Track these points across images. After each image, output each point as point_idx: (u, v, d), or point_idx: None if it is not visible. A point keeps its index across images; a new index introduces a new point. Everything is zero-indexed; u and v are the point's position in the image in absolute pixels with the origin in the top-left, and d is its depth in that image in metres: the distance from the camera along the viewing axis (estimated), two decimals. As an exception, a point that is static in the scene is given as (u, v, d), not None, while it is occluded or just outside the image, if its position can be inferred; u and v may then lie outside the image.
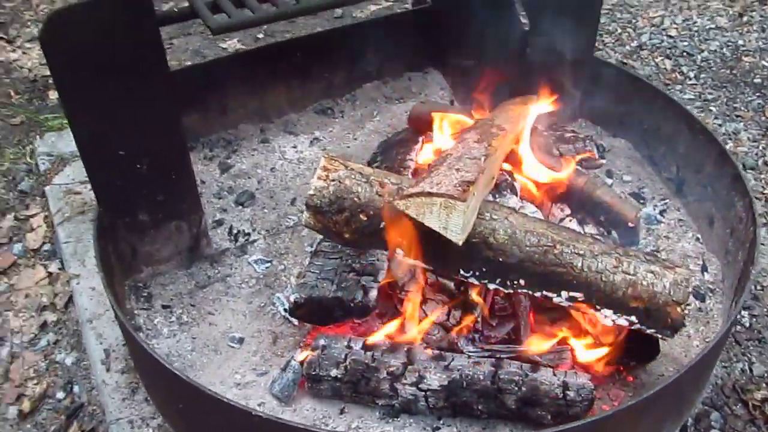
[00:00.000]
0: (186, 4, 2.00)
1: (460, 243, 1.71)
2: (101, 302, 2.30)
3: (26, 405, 2.19)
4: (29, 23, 3.91)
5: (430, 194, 1.68)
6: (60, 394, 2.23)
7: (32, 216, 2.77)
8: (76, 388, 2.24)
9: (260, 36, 3.74)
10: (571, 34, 2.59)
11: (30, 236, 2.69)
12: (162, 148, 2.05)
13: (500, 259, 1.83)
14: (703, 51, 3.67)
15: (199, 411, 1.85)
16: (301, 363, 1.96)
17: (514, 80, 2.51)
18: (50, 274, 2.56)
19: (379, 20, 3.14)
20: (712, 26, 3.86)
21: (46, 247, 2.66)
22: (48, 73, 3.42)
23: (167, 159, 2.08)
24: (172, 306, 2.24)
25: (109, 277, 2.04)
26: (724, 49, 3.67)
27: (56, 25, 1.73)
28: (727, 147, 3.01)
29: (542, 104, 2.40)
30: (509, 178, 2.20)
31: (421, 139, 2.53)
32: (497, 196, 2.12)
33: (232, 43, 3.72)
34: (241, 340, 2.15)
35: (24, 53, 3.70)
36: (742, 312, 2.35)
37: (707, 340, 2.12)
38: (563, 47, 2.58)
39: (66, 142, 2.98)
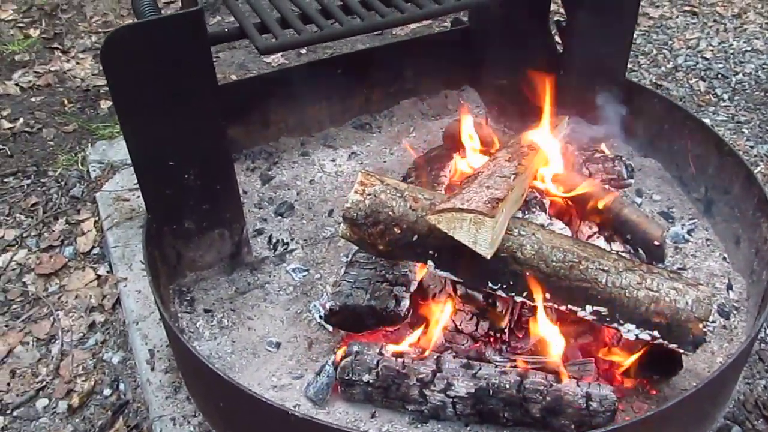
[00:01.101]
0: (232, 18, 2.07)
1: (488, 257, 1.78)
2: (147, 305, 2.39)
3: (75, 400, 2.26)
4: (83, 35, 4.04)
5: (460, 210, 1.75)
6: (107, 391, 2.30)
7: (83, 221, 2.85)
8: (121, 386, 2.31)
9: (303, 51, 3.81)
10: (604, 56, 2.65)
11: (81, 240, 2.77)
12: (208, 160, 2.14)
13: (527, 273, 1.90)
14: (738, 73, 3.68)
15: (238, 410, 1.91)
16: (335, 366, 2.03)
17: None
18: (99, 276, 2.64)
19: (418, 39, 3.21)
20: (749, 49, 3.86)
21: (96, 250, 2.74)
22: (99, 83, 3.59)
23: (213, 170, 2.16)
24: (214, 310, 2.32)
25: (156, 280, 2.12)
26: (759, 72, 3.68)
27: (115, 43, 1.83)
28: (759, 168, 3.05)
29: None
30: (539, 196, 2.26)
31: (455, 155, 2.60)
32: (526, 212, 2.17)
33: (276, 58, 3.79)
34: (278, 345, 2.22)
35: (77, 63, 3.82)
36: (767, 330, 2.38)
37: (730, 356, 2.15)
38: (596, 69, 2.64)
39: (116, 151, 3.09)
